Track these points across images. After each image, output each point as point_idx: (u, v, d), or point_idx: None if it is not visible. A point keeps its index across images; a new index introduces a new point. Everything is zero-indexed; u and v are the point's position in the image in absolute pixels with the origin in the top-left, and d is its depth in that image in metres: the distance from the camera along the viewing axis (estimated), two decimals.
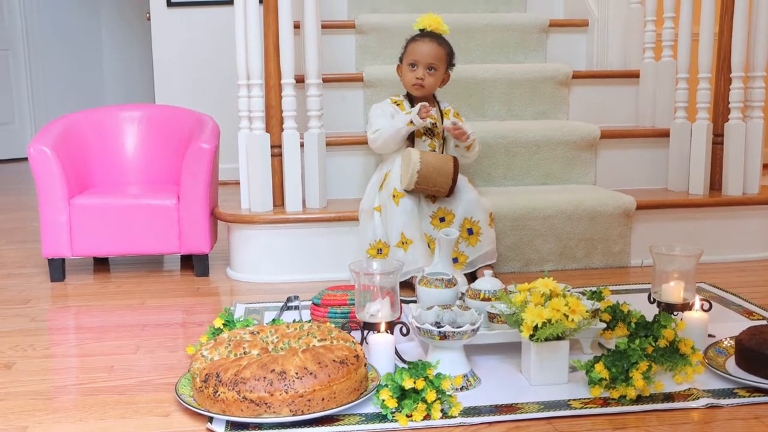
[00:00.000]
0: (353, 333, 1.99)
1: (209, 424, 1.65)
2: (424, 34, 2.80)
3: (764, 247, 3.07)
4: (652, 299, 2.14)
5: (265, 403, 1.61)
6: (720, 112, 3.16)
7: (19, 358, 2.08)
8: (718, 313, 2.32)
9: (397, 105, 2.81)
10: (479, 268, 2.70)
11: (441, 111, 2.84)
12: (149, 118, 3.24)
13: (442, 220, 2.71)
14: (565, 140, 3.20)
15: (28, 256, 3.27)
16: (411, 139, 2.77)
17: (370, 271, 1.94)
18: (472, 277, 2.68)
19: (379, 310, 1.90)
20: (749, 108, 3.10)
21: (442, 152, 2.80)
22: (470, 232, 2.70)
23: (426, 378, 1.67)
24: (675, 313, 2.06)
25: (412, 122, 2.67)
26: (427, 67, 2.75)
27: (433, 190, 2.65)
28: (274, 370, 1.64)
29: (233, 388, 1.62)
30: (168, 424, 1.68)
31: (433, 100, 2.85)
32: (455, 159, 2.66)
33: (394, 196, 2.65)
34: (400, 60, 2.83)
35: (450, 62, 2.82)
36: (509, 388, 1.82)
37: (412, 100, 2.82)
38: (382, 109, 2.81)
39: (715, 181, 3.16)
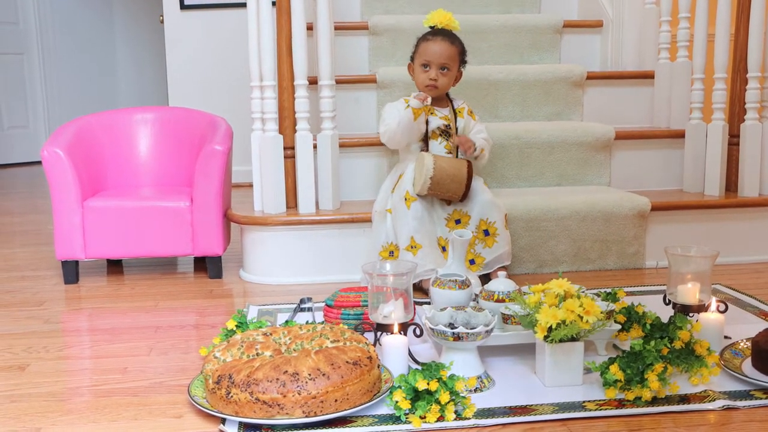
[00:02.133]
0: (366, 334, 1.99)
1: (222, 425, 1.64)
2: (436, 32, 2.76)
3: None
4: (667, 300, 2.12)
5: (278, 405, 1.61)
6: (736, 113, 3.14)
7: (33, 360, 2.08)
8: (734, 315, 2.31)
9: None
10: (495, 269, 2.68)
11: (455, 110, 2.83)
12: (162, 120, 3.24)
13: (457, 222, 2.69)
14: (580, 141, 3.19)
15: (42, 259, 3.28)
16: (426, 140, 2.75)
17: (383, 273, 1.93)
18: (486, 278, 2.67)
19: (392, 312, 1.90)
20: (766, 108, 3.08)
21: (457, 154, 2.78)
22: (486, 233, 2.68)
23: (440, 379, 1.66)
24: (690, 314, 2.04)
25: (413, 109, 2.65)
26: (440, 67, 2.71)
27: (446, 196, 2.64)
28: (286, 371, 1.63)
29: (246, 390, 1.62)
30: (181, 426, 1.67)
31: (446, 98, 2.84)
32: (469, 164, 2.64)
33: (406, 200, 2.64)
34: (412, 59, 2.80)
35: (462, 60, 2.79)
36: (523, 389, 1.81)
37: None
38: (395, 108, 2.78)
39: (731, 182, 3.14)
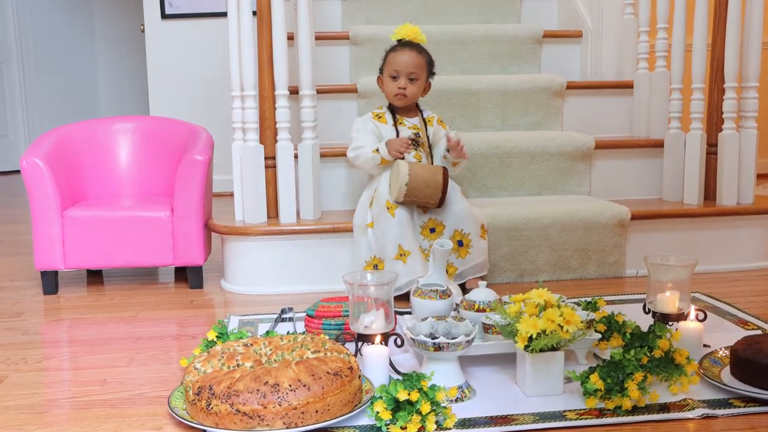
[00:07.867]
0: (347, 345, 1.98)
1: None
2: (404, 44, 2.79)
3: (759, 257, 3.07)
4: (647, 309, 2.13)
5: (259, 416, 1.60)
6: (714, 123, 3.16)
7: (11, 372, 2.07)
8: (713, 323, 2.32)
9: (379, 118, 2.81)
10: (469, 279, 2.69)
11: (425, 120, 2.84)
12: (143, 129, 3.23)
13: (432, 231, 2.69)
14: (560, 151, 3.20)
15: (21, 269, 3.25)
16: None
17: (364, 283, 1.93)
18: (464, 289, 2.67)
19: (373, 322, 1.89)
20: (743, 118, 3.10)
21: (431, 162, 2.78)
22: (460, 243, 2.69)
23: (420, 390, 1.66)
24: (670, 323, 2.05)
25: (378, 150, 2.71)
26: (409, 76, 2.75)
27: (422, 202, 2.64)
28: (267, 382, 1.63)
29: (226, 401, 1.61)
30: None
31: (416, 109, 2.85)
32: (445, 170, 2.64)
33: (388, 208, 2.64)
34: (381, 71, 2.82)
35: (430, 71, 2.82)
36: (504, 399, 1.81)
37: (394, 111, 2.82)
38: (363, 124, 2.80)
39: (710, 191, 3.16)
